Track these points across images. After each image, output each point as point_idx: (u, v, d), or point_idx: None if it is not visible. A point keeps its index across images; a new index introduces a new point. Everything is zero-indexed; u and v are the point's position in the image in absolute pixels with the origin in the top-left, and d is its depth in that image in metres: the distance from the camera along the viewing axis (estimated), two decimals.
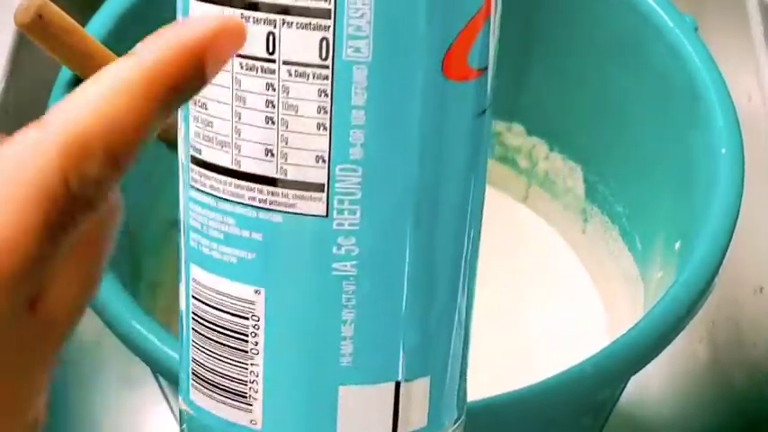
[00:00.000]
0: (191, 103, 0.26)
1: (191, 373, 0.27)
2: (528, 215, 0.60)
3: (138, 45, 0.22)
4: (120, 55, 0.43)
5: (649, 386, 0.59)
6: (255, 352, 0.26)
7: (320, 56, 0.24)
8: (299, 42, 0.24)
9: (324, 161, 0.25)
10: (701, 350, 0.60)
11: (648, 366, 0.39)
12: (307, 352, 0.26)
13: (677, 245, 0.46)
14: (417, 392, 0.27)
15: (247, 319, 0.26)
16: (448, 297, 0.27)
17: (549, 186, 0.59)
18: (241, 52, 0.24)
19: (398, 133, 0.25)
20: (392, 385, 0.26)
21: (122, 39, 0.45)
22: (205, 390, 0.27)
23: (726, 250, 0.41)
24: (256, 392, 0.26)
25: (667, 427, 0.59)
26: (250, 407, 0.26)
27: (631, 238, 0.54)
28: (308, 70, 0.24)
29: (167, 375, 0.38)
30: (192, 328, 0.27)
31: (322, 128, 0.24)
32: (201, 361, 0.27)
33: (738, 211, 0.42)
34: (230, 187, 0.25)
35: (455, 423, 0.28)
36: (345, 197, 0.25)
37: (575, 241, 0.59)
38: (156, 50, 0.22)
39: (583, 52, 0.53)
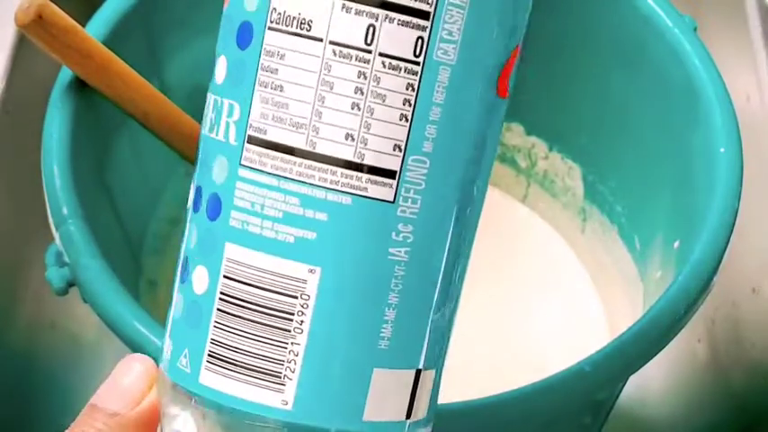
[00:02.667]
0: (258, 85, 0.27)
1: (207, 356, 0.28)
2: (527, 215, 0.60)
3: None
4: (120, 55, 0.44)
5: (649, 386, 0.59)
6: (299, 331, 0.27)
7: (414, 53, 0.26)
8: (398, 38, 0.26)
9: (400, 150, 0.26)
10: (700, 350, 0.61)
11: (648, 366, 0.39)
12: (351, 332, 0.27)
13: (676, 244, 0.46)
14: (427, 383, 0.28)
15: (296, 297, 0.27)
16: (457, 291, 0.29)
17: (549, 186, 0.59)
18: (336, 40, 0.26)
19: (460, 133, 0.27)
20: (413, 372, 0.28)
21: (122, 39, 0.45)
22: (228, 372, 0.27)
23: (725, 250, 0.41)
24: (293, 372, 0.27)
25: (667, 426, 0.59)
26: (283, 386, 0.27)
27: (630, 238, 0.54)
28: (402, 64, 0.26)
29: None
30: (219, 309, 0.27)
31: (404, 119, 0.26)
32: (227, 342, 0.27)
33: (737, 211, 0.42)
34: (299, 167, 0.26)
35: (432, 421, 0.29)
36: (412, 186, 0.27)
37: (574, 241, 0.59)
38: None
39: (582, 52, 0.53)
